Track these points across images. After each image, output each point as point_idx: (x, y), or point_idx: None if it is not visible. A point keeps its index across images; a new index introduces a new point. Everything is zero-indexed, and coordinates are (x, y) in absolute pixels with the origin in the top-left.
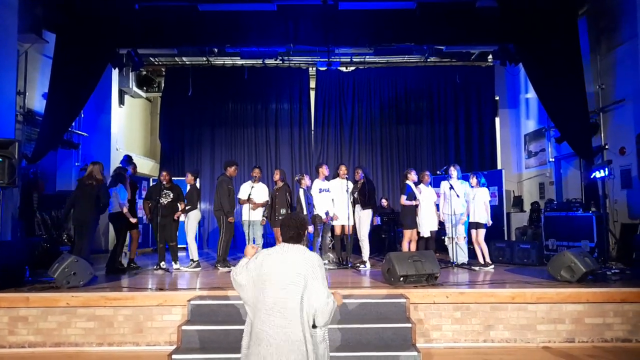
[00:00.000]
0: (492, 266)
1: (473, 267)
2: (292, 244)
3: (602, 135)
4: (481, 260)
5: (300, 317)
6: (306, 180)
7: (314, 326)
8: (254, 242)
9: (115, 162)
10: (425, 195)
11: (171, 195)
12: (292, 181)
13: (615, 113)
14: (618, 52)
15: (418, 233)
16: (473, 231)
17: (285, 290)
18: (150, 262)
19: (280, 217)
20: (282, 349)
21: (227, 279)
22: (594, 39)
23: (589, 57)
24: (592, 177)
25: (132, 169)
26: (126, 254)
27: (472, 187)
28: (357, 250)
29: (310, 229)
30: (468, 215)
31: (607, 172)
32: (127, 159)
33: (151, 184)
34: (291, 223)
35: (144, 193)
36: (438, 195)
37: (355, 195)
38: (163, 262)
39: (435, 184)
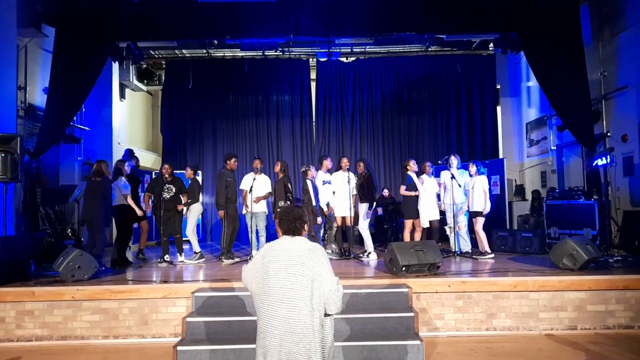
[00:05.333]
0: (492, 255)
1: (474, 256)
2: (293, 236)
3: (604, 122)
4: (481, 249)
5: (308, 307)
6: (312, 172)
7: (326, 314)
8: (257, 234)
9: (117, 155)
10: (427, 185)
11: (173, 190)
12: (294, 172)
13: (617, 100)
14: (621, 39)
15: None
16: (472, 220)
17: (289, 280)
18: (155, 255)
19: (278, 209)
20: (285, 339)
21: (231, 270)
22: (597, 25)
23: (591, 44)
24: (594, 164)
25: (134, 163)
26: (129, 248)
27: (471, 175)
28: (360, 241)
29: (319, 220)
30: (468, 205)
31: (609, 160)
32: (129, 153)
33: (153, 177)
34: (284, 217)
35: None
36: (440, 185)
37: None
38: (167, 255)
39: (437, 174)
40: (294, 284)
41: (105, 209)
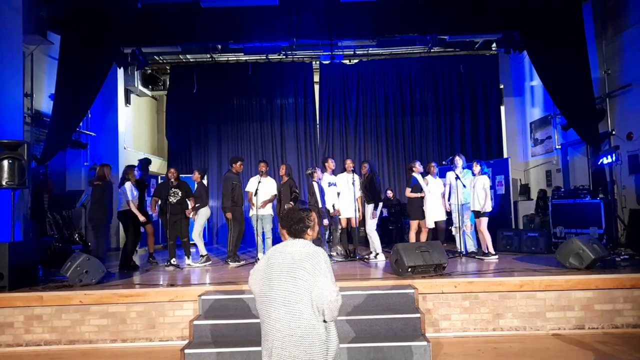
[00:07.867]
0: (496, 256)
1: (477, 256)
2: (296, 239)
3: (609, 121)
4: (484, 249)
5: (309, 311)
6: (318, 173)
7: (324, 321)
8: (263, 237)
9: (123, 160)
10: (432, 186)
11: (179, 194)
12: (299, 175)
13: (622, 98)
14: (624, 37)
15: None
16: (476, 220)
17: (290, 283)
18: (161, 259)
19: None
20: (287, 342)
21: (238, 273)
22: (600, 23)
23: (594, 42)
24: (599, 163)
25: (143, 171)
26: (137, 252)
27: (474, 175)
28: (365, 242)
29: (325, 222)
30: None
31: (614, 158)
32: (144, 164)
33: (159, 182)
34: (284, 219)
35: (151, 191)
36: (445, 186)
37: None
38: (174, 259)
39: (441, 174)
40: (295, 287)
41: (107, 213)
